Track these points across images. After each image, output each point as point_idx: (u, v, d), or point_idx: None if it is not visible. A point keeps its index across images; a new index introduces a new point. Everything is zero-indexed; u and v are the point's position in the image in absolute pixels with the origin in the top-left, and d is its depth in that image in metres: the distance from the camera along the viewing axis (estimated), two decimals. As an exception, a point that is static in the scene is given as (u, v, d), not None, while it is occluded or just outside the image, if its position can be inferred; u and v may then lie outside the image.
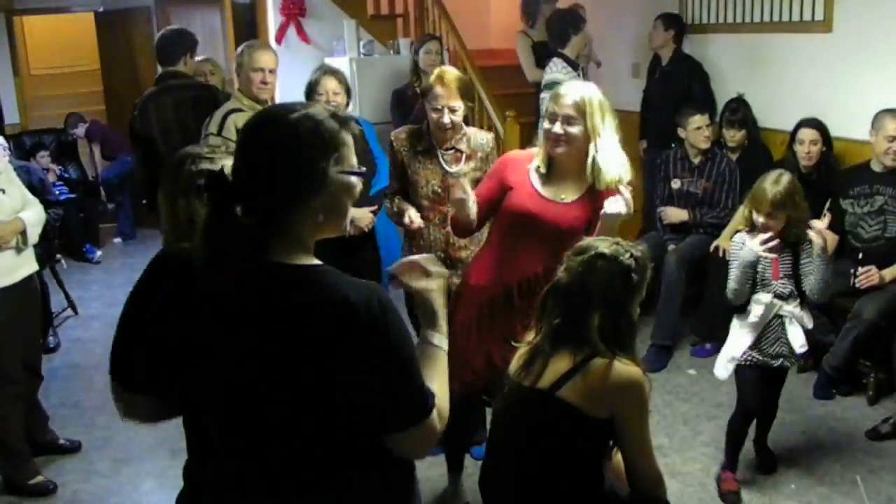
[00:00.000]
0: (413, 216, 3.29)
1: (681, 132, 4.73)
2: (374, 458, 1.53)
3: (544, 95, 4.87)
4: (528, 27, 5.84)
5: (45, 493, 3.45)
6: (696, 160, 4.73)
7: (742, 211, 3.28)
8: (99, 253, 7.20)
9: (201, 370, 1.50)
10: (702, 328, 4.69)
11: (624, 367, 2.04)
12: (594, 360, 2.05)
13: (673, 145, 4.88)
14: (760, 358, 3.22)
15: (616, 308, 2.09)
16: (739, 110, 4.87)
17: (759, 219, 3.11)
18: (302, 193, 1.45)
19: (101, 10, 8.12)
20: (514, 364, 2.21)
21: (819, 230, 3.12)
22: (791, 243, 3.17)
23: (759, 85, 5.12)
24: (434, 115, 3.23)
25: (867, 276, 3.91)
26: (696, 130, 4.65)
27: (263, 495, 1.50)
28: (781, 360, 3.23)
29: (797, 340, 3.20)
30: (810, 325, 3.26)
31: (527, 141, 5.59)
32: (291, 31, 6.68)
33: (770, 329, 3.20)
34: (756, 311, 3.19)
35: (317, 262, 1.51)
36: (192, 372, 1.51)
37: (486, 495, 2.29)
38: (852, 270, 3.98)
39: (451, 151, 3.33)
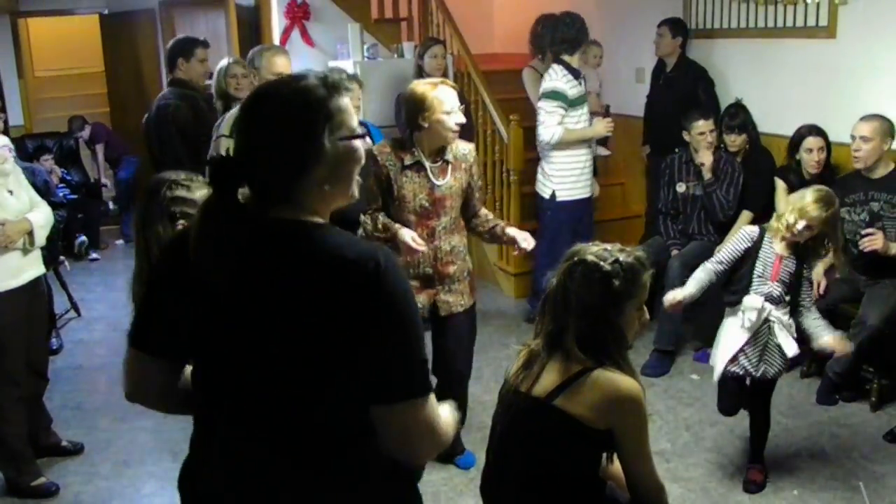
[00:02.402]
0: (416, 239, 3.19)
1: (685, 136, 4.73)
2: (370, 434, 1.46)
3: (542, 104, 4.82)
4: (538, 60, 5.74)
5: (47, 494, 3.45)
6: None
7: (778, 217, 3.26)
8: (94, 254, 7.23)
9: (204, 326, 1.51)
10: (704, 333, 4.68)
11: (619, 380, 2.02)
12: (590, 372, 2.03)
13: (677, 150, 4.88)
14: (746, 365, 3.25)
15: (596, 316, 2.05)
16: (738, 115, 4.88)
17: (800, 225, 3.11)
18: (300, 166, 1.46)
19: (106, 12, 8.14)
20: (513, 366, 2.20)
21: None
22: (801, 252, 3.18)
23: (762, 90, 5.12)
24: (444, 118, 3.16)
25: (871, 239, 3.92)
26: (699, 136, 4.65)
27: (259, 458, 1.49)
28: (764, 367, 3.23)
29: (788, 346, 3.20)
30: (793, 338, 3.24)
31: (530, 145, 5.63)
32: (296, 35, 6.69)
33: (759, 334, 3.22)
34: (750, 315, 3.21)
35: (321, 220, 1.50)
36: (198, 328, 1.52)
37: (486, 501, 2.28)
38: (859, 235, 3.99)
39: (439, 163, 3.27)
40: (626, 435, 2.05)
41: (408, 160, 3.25)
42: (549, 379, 2.07)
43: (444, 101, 3.17)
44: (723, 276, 3.34)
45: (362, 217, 3.29)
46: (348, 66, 5.84)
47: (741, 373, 3.26)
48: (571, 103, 4.79)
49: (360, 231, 3.27)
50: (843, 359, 3.95)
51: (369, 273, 1.40)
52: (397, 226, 3.24)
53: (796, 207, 3.14)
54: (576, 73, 4.83)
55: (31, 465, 3.51)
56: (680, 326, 4.64)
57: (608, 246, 2.14)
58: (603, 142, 4.96)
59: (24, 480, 3.45)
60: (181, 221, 2.17)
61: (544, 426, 2.07)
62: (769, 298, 3.19)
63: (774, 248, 3.22)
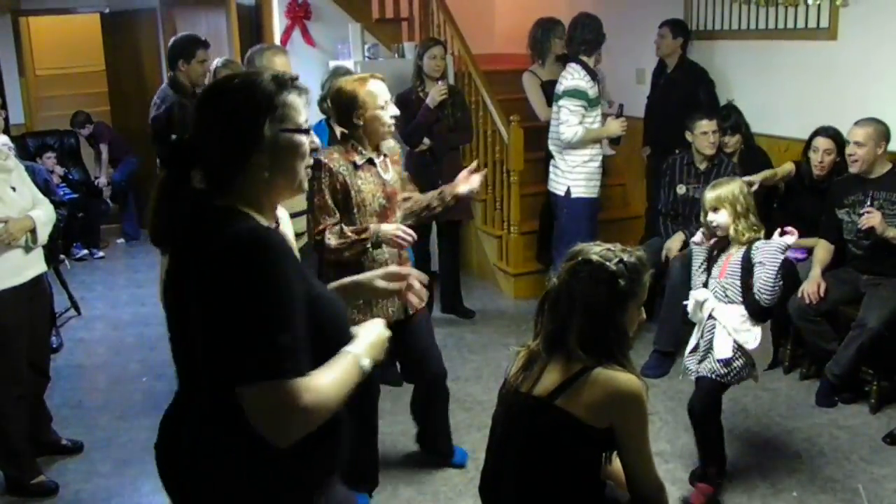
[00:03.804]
0: (403, 228, 3.10)
1: (688, 136, 4.74)
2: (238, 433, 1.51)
3: (565, 103, 4.79)
4: (538, 65, 5.73)
5: (47, 493, 3.45)
6: (702, 166, 4.73)
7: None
8: (84, 251, 7.23)
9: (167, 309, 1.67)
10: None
11: (621, 377, 2.03)
12: (591, 370, 2.04)
13: (677, 151, 4.89)
14: (689, 364, 3.30)
15: (602, 315, 2.06)
16: (731, 116, 4.91)
17: (710, 216, 3.27)
18: (240, 151, 1.56)
19: (107, 11, 8.14)
20: (513, 367, 2.21)
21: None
22: (742, 245, 3.22)
23: (763, 92, 5.13)
24: (379, 114, 3.08)
25: (868, 217, 3.93)
26: (702, 135, 4.65)
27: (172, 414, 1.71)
28: (707, 365, 3.22)
29: (719, 347, 3.17)
30: (752, 345, 3.18)
31: (530, 145, 5.63)
32: (296, 34, 6.69)
33: (705, 333, 3.26)
34: (689, 305, 3.30)
35: (249, 210, 1.60)
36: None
37: (486, 501, 2.28)
38: (860, 212, 4.01)
39: (381, 158, 3.21)
40: (626, 432, 2.05)
41: (358, 160, 3.13)
42: (549, 379, 2.07)
43: (378, 96, 3.09)
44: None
45: (326, 234, 3.05)
46: (349, 65, 5.84)
47: (690, 370, 3.30)
48: (591, 103, 4.80)
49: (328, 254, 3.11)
50: (842, 360, 3.96)
51: (242, 253, 1.47)
52: (373, 225, 3.10)
53: (702, 203, 3.33)
54: (593, 74, 4.84)
55: (31, 463, 3.51)
56: (680, 327, 4.64)
57: (610, 246, 2.15)
58: (616, 141, 4.96)
59: (24, 478, 3.45)
60: None
61: (545, 426, 2.07)
62: (717, 296, 3.24)
63: (725, 250, 3.29)
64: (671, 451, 3.69)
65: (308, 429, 1.50)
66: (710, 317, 3.23)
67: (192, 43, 4.67)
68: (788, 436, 3.80)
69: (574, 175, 4.89)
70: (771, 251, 3.10)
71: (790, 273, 4.06)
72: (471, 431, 3.77)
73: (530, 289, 5.58)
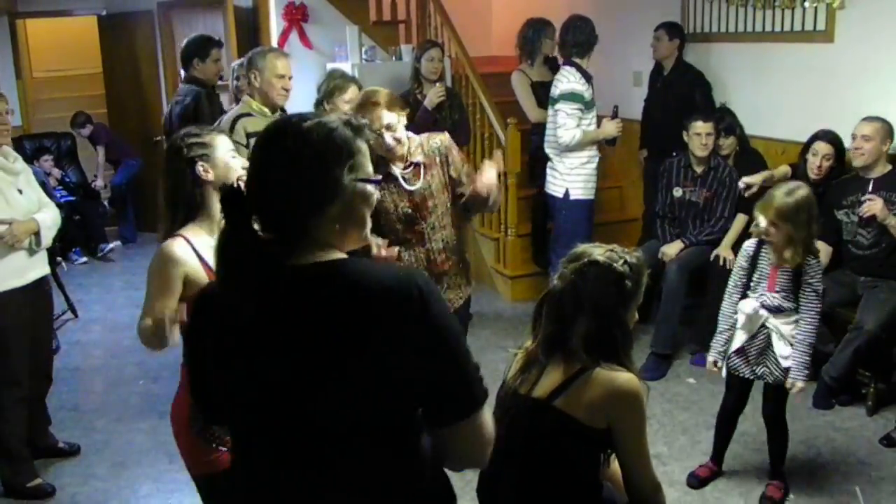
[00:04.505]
0: (381, 245, 3.11)
1: (685, 136, 4.75)
2: (414, 464, 1.48)
3: (562, 106, 4.79)
4: (527, 65, 5.71)
5: (44, 496, 3.45)
6: (699, 169, 4.73)
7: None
8: (84, 259, 7.19)
9: (241, 394, 1.46)
10: (701, 337, 4.68)
11: (620, 377, 2.04)
12: (591, 370, 2.04)
13: (674, 154, 4.89)
14: (740, 365, 3.25)
15: (609, 316, 2.08)
16: (725, 118, 4.92)
17: (762, 222, 3.08)
18: (316, 202, 1.43)
19: (104, 13, 8.14)
20: (511, 369, 2.21)
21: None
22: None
23: (759, 94, 5.13)
24: (379, 140, 3.04)
25: (870, 204, 3.95)
26: (695, 136, 4.66)
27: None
28: (762, 370, 3.21)
29: (781, 352, 3.16)
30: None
31: (527, 148, 5.63)
32: (294, 37, 6.69)
33: (756, 340, 3.20)
34: (740, 319, 3.22)
35: (341, 255, 1.47)
36: (236, 399, 1.48)
37: (484, 503, 2.28)
38: (859, 235, 4.05)
39: (410, 168, 3.18)
40: (624, 431, 2.05)
41: (378, 174, 3.12)
42: (548, 380, 2.08)
43: (377, 120, 3.02)
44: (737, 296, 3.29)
45: None
46: (346, 68, 5.84)
47: (739, 370, 3.26)
48: (587, 105, 4.81)
49: None
50: (839, 363, 3.97)
51: (414, 299, 1.39)
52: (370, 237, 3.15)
53: (762, 206, 3.11)
54: (587, 76, 4.84)
55: (28, 466, 3.50)
56: (677, 330, 4.65)
57: (611, 247, 2.16)
58: (612, 142, 4.97)
59: (21, 481, 3.45)
60: (200, 164, 2.32)
61: (544, 427, 2.08)
62: (767, 307, 3.17)
63: (771, 259, 3.18)
64: (668, 454, 3.70)
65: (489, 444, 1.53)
66: (763, 325, 3.18)
67: (206, 42, 4.70)
68: (788, 437, 3.80)
69: (573, 177, 4.89)
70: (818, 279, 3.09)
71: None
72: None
73: (528, 291, 5.58)
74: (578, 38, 4.84)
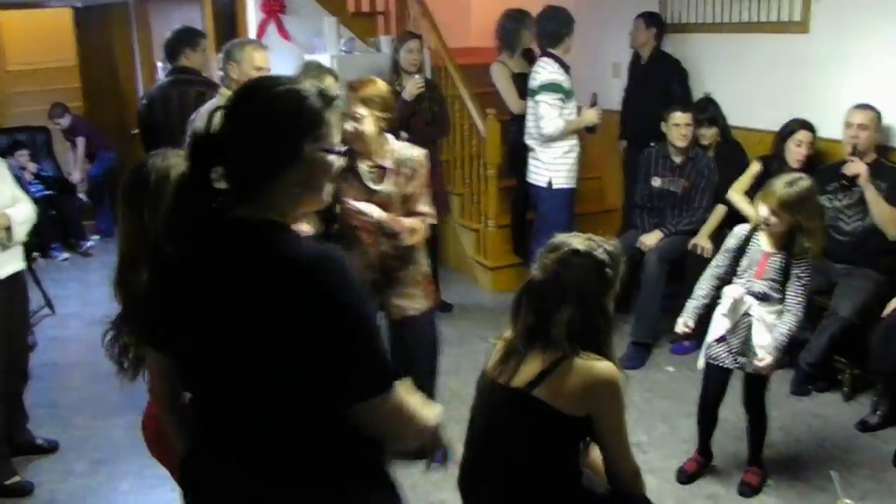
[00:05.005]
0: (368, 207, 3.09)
1: (663, 126, 4.76)
2: (341, 437, 1.52)
3: (543, 97, 4.79)
4: (507, 56, 5.68)
5: (22, 493, 3.42)
6: (678, 159, 4.76)
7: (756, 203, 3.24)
8: (66, 255, 7.13)
9: (176, 331, 1.56)
10: (681, 326, 4.72)
11: (598, 365, 2.05)
12: (570, 360, 2.05)
13: (653, 144, 4.91)
14: (722, 354, 3.25)
15: (592, 304, 2.10)
16: (708, 109, 4.94)
17: (764, 211, 3.09)
18: (277, 166, 1.49)
19: (79, 5, 8.04)
20: (491, 359, 2.22)
21: None
22: (789, 249, 3.12)
23: (736, 84, 5.16)
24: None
25: (855, 164, 4.00)
26: (674, 126, 4.68)
27: (233, 459, 1.55)
28: (743, 361, 3.22)
29: (761, 342, 3.15)
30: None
31: (507, 138, 5.63)
32: (272, 29, 6.65)
33: (739, 327, 3.21)
34: (725, 303, 3.22)
35: (284, 221, 1.52)
36: (173, 334, 1.58)
37: (465, 494, 2.29)
38: (840, 220, 4.10)
39: (376, 169, 3.16)
40: (604, 419, 2.07)
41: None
42: (527, 370, 2.09)
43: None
44: (726, 278, 3.29)
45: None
46: (325, 59, 5.81)
47: (719, 359, 3.27)
48: (567, 95, 4.82)
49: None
50: (815, 349, 4.01)
51: (321, 273, 1.43)
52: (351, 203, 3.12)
53: (764, 194, 3.12)
54: (566, 67, 4.85)
55: (6, 464, 3.47)
56: (657, 319, 4.67)
57: (589, 236, 2.17)
58: (592, 130, 4.98)
59: (-1, 479, 3.42)
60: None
61: (524, 417, 2.09)
62: (754, 294, 3.17)
63: (761, 245, 3.18)
64: (648, 442, 3.72)
65: (422, 437, 1.63)
66: (746, 314, 3.19)
67: (195, 33, 4.64)
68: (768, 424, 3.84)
69: (556, 166, 4.90)
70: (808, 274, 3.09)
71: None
72: (449, 424, 3.75)
73: (508, 282, 5.58)
74: (549, 29, 4.85)
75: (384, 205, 3.16)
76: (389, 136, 3.27)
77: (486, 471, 2.21)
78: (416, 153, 3.26)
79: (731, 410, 3.66)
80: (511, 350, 2.15)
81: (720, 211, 4.69)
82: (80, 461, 3.70)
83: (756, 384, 3.28)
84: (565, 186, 4.94)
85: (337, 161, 1.56)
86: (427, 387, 3.53)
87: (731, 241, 3.29)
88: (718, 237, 4.15)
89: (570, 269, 2.10)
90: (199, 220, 1.50)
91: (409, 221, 3.20)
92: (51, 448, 3.78)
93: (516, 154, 5.41)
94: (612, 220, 5.93)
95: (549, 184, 4.92)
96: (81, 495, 3.45)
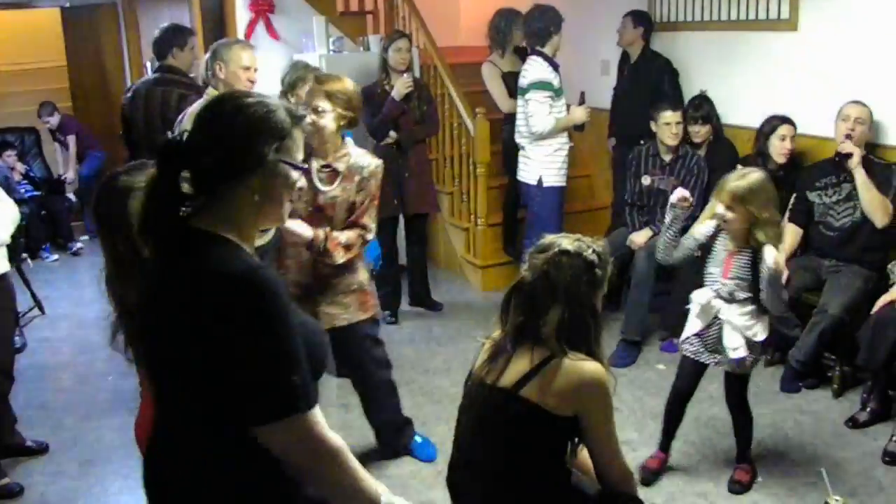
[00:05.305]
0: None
1: (653, 125, 4.77)
2: (241, 461, 1.52)
3: (533, 95, 4.79)
4: (497, 55, 5.69)
5: (11, 495, 3.40)
6: (667, 158, 4.77)
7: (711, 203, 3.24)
8: (55, 256, 7.10)
9: (136, 334, 1.68)
10: (670, 324, 4.72)
11: (586, 366, 2.06)
12: (557, 359, 2.06)
13: (642, 142, 4.92)
14: (695, 349, 3.26)
15: (581, 304, 2.11)
16: (703, 106, 4.94)
17: (719, 208, 3.08)
18: (238, 168, 1.52)
19: (67, 5, 8.01)
20: (478, 359, 2.22)
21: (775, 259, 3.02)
22: (751, 246, 3.08)
23: (725, 82, 5.18)
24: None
25: (849, 144, 4.03)
26: (664, 126, 4.69)
27: (152, 468, 1.65)
28: (721, 357, 3.21)
29: (731, 344, 3.13)
30: (761, 337, 3.15)
31: (496, 137, 5.64)
32: (260, 28, 6.63)
33: (711, 329, 3.20)
34: (693, 308, 3.23)
35: (232, 237, 1.53)
36: (135, 337, 1.71)
37: (454, 493, 2.29)
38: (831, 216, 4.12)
39: (327, 170, 3.11)
40: (592, 420, 2.08)
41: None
42: (515, 370, 2.09)
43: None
44: (701, 245, 3.27)
45: None
46: (313, 59, 5.81)
47: (697, 352, 3.27)
48: (557, 92, 4.82)
49: None
50: (805, 346, 4.03)
51: (245, 293, 1.45)
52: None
53: (717, 191, 3.11)
54: (554, 65, 4.85)
55: (-5, 465, 3.46)
56: (647, 317, 4.69)
57: (577, 236, 2.18)
58: (580, 128, 4.98)
59: (-12, 482, 3.40)
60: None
61: (511, 417, 2.09)
62: (722, 296, 3.15)
63: (727, 245, 3.17)
64: (639, 440, 3.73)
65: (341, 475, 1.53)
66: (716, 317, 3.18)
67: (183, 30, 4.62)
68: (753, 421, 3.85)
69: (546, 164, 4.91)
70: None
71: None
72: (439, 424, 3.77)
73: (498, 281, 5.59)
74: (537, 27, 4.87)
75: (328, 208, 3.10)
76: (349, 140, 3.20)
77: (474, 470, 2.21)
78: (371, 162, 3.17)
79: (721, 408, 3.67)
80: (499, 349, 2.16)
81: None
82: (70, 462, 3.69)
83: (735, 382, 3.29)
84: (555, 184, 4.95)
85: (298, 177, 1.60)
86: (384, 403, 3.50)
87: (707, 228, 3.24)
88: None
89: (559, 269, 2.11)
90: (163, 226, 1.53)
91: (345, 236, 3.11)
92: (41, 449, 3.76)
93: (509, 153, 5.42)
94: (601, 218, 5.94)
95: (540, 181, 4.93)
96: (72, 497, 3.43)
